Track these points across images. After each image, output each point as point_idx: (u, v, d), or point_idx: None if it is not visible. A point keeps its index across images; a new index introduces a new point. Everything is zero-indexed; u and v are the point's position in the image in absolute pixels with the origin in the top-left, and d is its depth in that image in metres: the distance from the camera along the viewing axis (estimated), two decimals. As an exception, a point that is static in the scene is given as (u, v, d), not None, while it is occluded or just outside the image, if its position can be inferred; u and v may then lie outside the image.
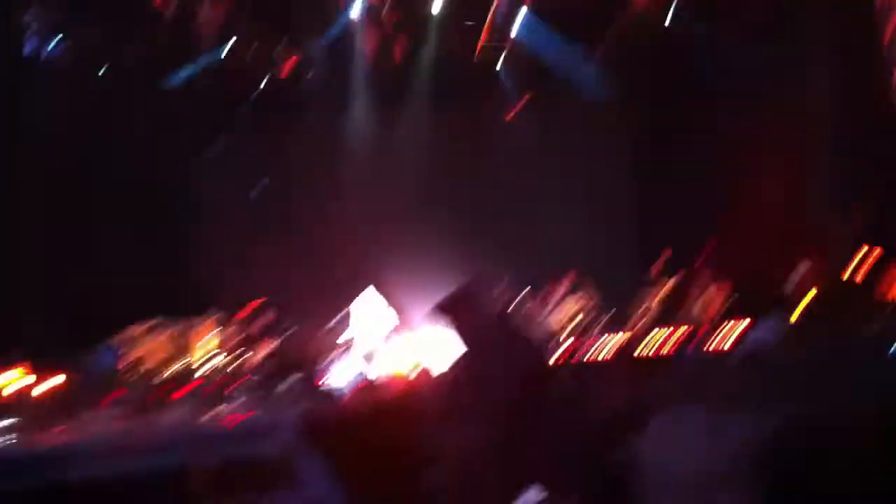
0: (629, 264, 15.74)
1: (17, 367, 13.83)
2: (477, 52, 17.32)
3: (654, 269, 15.26)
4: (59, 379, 13.05)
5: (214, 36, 16.78)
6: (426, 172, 16.62)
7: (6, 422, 8.85)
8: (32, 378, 13.36)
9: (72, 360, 15.03)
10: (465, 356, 4.14)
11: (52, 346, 14.99)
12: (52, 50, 16.05)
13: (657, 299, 15.16)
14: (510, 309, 7.51)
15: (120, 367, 15.83)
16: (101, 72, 16.76)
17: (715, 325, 14.18)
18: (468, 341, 4.10)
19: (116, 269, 15.99)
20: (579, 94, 16.77)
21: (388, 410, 4.81)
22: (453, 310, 4.08)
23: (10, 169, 15.25)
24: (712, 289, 14.81)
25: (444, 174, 16.64)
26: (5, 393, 12.97)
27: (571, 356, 13.41)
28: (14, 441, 4.82)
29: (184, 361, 16.07)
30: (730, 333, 12.65)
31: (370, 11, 16.89)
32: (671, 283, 15.06)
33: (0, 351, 14.25)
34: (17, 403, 12.00)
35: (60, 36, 16.11)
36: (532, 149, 16.71)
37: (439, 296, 4.46)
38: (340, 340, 15.38)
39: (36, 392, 12.80)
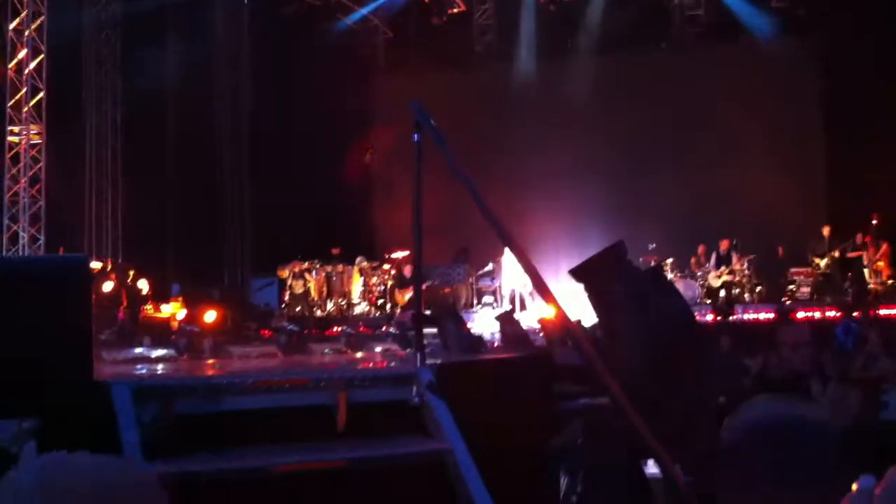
0: (798, 230, 15.03)
1: (176, 300, 14.72)
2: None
3: (824, 234, 14.62)
4: (214, 313, 13.74)
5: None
6: (591, 125, 16.03)
7: (163, 352, 9.40)
8: (186, 311, 14.19)
9: (236, 291, 15.83)
10: (607, 320, 4.12)
11: (214, 278, 15.80)
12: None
13: (824, 267, 14.57)
14: (655, 273, 7.34)
15: (278, 302, 16.66)
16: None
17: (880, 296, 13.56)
18: (604, 308, 4.08)
19: (282, 208, 16.55)
20: (766, 45, 15.66)
21: (531, 364, 4.85)
22: (588, 276, 4.04)
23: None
24: (880, 260, 14.13)
25: (608, 129, 16.01)
26: (165, 325, 13.81)
27: (727, 319, 13.07)
28: (169, 370, 5.16)
29: (338, 302, 16.74)
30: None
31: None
32: (838, 252, 14.42)
33: (161, 283, 15.24)
34: (176, 335, 12.67)
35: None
36: (707, 103, 15.64)
37: (581, 259, 4.44)
38: (489, 289, 15.56)
39: (194, 325, 13.52)
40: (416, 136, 3.72)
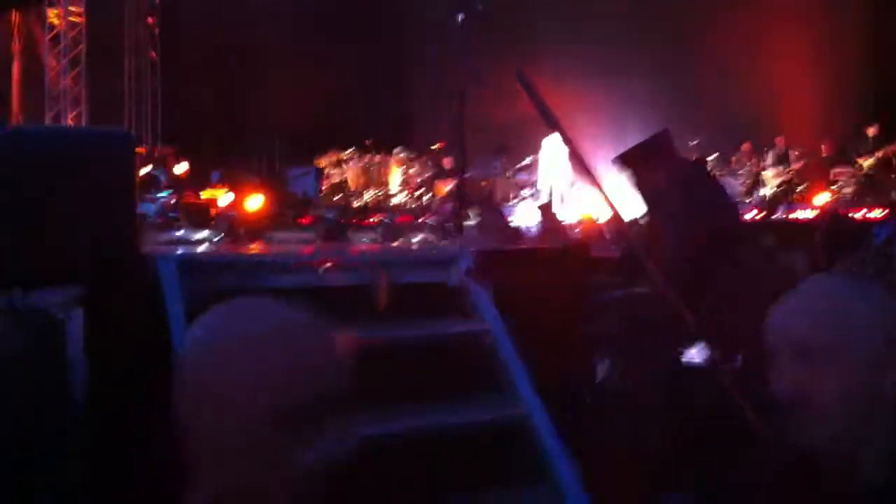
0: (844, 128, 14.65)
1: (220, 186, 14.77)
2: None
3: (871, 132, 14.27)
4: (259, 199, 13.76)
5: None
6: (629, 15, 15.56)
7: (206, 233, 9.48)
8: (232, 196, 14.22)
9: (275, 179, 15.87)
10: (651, 208, 4.08)
11: (253, 165, 15.83)
12: None
13: (868, 165, 14.29)
14: (699, 165, 7.23)
15: (318, 190, 16.69)
16: None
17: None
18: (648, 196, 4.04)
19: (321, 96, 16.45)
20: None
21: (568, 254, 4.85)
22: (634, 163, 3.99)
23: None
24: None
25: (647, 21, 15.51)
26: (206, 209, 13.87)
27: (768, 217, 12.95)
28: (212, 249, 5.23)
29: (377, 191, 16.77)
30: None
31: None
32: (882, 152, 14.11)
33: (201, 168, 15.30)
34: (216, 219, 12.76)
35: None
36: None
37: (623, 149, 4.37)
38: (526, 183, 15.48)
39: (236, 209, 13.58)
40: (460, 16, 3.63)
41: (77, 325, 2.85)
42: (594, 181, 3.44)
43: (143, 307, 3.09)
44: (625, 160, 4.01)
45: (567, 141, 3.53)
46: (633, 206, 4.42)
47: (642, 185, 4.04)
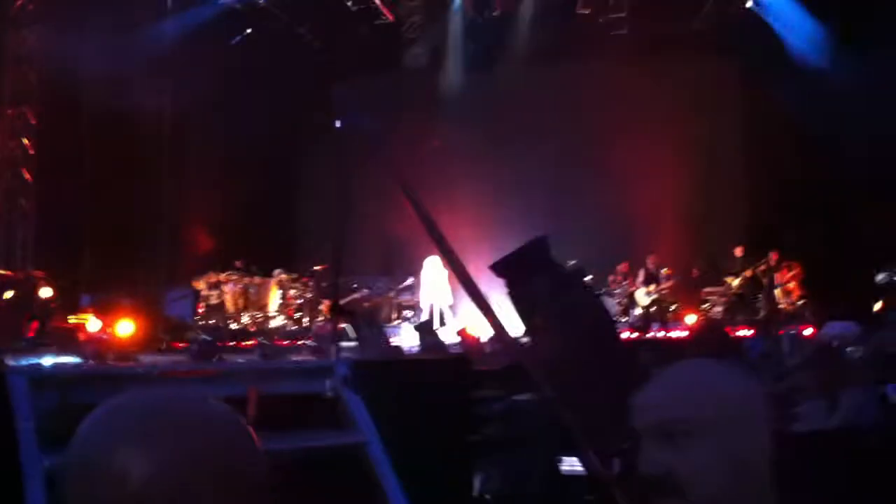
0: (712, 248, 15.27)
1: (88, 311, 14.25)
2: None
3: (738, 252, 14.92)
4: (130, 324, 13.33)
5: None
6: (514, 139, 16.02)
7: (70, 359, 9.09)
8: (100, 322, 13.73)
9: (146, 303, 15.42)
10: (527, 315, 4.09)
11: (126, 289, 15.35)
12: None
13: (736, 285, 14.89)
14: (578, 271, 7.36)
15: (194, 313, 16.27)
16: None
17: (790, 316, 13.88)
18: (525, 302, 4.05)
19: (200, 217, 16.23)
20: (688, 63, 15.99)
21: (448, 365, 4.80)
22: (510, 270, 4.00)
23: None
24: (791, 281, 14.47)
25: (532, 142, 15.98)
26: (73, 334, 13.33)
27: (644, 336, 13.25)
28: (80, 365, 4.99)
29: (254, 315, 16.45)
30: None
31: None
32: (750, 272, 14.74)
33: (72, 292, 14.74)
34: (83, 344, 12.29)
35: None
36: (628, 118, 15.70)
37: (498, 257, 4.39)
38: (408, 303, 15.51)
39: (107, 334, 13.10)
40: (337, 122, 3.64)
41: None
42: (476, 292, 3.43)
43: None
44: (503, 266, 4.03)
45: (447, 252, 3.52)
46: (513, 316, 4.43)
47: (521, 291, 4.05)
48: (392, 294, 15.83)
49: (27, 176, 15.96)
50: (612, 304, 14.75)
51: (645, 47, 15.63)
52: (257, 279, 16.35)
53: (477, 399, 4.66)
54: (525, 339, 4.71)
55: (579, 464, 3.51)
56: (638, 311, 14.92)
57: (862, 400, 5.10)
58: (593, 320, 4.06)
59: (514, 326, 4.95)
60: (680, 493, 1.66)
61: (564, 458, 3.68)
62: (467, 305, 14.50)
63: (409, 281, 15.36)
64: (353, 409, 3.41)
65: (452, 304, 14.37)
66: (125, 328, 13.13)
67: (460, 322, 12.92)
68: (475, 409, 4.52)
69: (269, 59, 16.43)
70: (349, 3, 17.12)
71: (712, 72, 16.07)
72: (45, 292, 14.35)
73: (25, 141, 16.01)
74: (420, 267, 14.85)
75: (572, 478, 3.66)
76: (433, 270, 14.34)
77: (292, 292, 16.33)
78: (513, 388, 4.70)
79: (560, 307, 3.91)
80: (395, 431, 3.43)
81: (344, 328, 8.68)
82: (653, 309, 14.82)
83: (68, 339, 12.88)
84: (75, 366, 4.81)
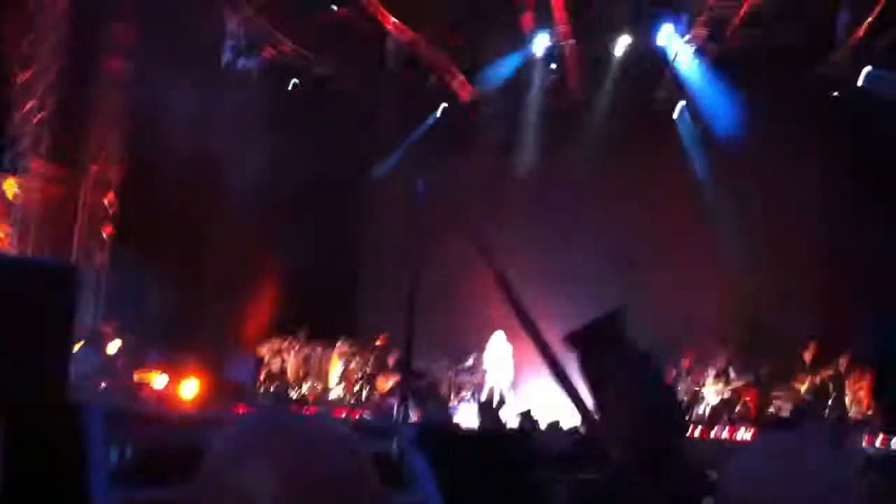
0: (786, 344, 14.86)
1: (155, 369, 14.45)
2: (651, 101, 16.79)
3: (808, 356, 14.49)
4: (194, 384, 13.47)
5: (403, 53, 17.18)
6: (585, 219, 16.15)
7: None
8: (166, 379, 13.90)
9: (212, 363, 15.61)
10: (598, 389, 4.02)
11: (193, 349, 15.56)
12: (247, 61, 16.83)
13: (804, 391, 14.44)
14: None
15: (255, 378, 16.39)
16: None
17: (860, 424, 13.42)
18: (595, 377, 3.98)
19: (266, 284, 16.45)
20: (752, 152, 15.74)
21: (509, 440, 4.77)
22: (585, 342, 3.94)
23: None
24: (860, 389, 13.99)
25: (606, 223, 16.07)
26: (142, 390, 13.51)
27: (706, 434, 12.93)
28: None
29: (314, 383, 16.49)
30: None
31: (552, 48, 16.83)
32: (819, 377, 14.28)
33: (141, 349, 14.97)
34: (150, 402, 12.42)
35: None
36: (703, 210, 15.74)
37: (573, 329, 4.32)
38: (468, 382, 15.40)
39: (171, 392, 13.25)
40: (420, 184, 3.68)
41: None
42: (554, 361, 3.38)
43: (64, 449, 2.93)
44: (577, 337, 3.96)
45: (527, 321, 3.49)
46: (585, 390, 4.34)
47: (593, 364, 3.97)
48: (451, 374, 15.74)
49: (106, 231, 16.42)
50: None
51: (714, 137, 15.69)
52: (319, 349, 16.44)
53: (540, 479, 4.60)
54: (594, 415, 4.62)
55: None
56: (703, 407, 14.54)
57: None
58: (667, 402, 3.98)
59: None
60: None
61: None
62: (528, 386, 14.40)
63: (471, 361, 15.27)
64: (418, 470, 3.39)
65: (513, 384, 14.25)
66: (189, 388, 13.28)
67: (521, 403, 12.82)
68: (538, 487, 4.46)
69: (339, 124, 16.75)
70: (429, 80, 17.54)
71: (791, 164, 15.89)
72: (113, 347, 14.63)
73: (108, 198, 16.53)
74: (477, 347, 14.84)
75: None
76: (498, 348, 14.29)
77: (353, 364, 16.35)
78: (576, 468, 4.62)
79: (635, 384, 3.84)
80: (457, 497, 3.41)
81: (406, 404, 8.66)
82: (721, 406, 14.43)
83: (133, 396, 13.04)
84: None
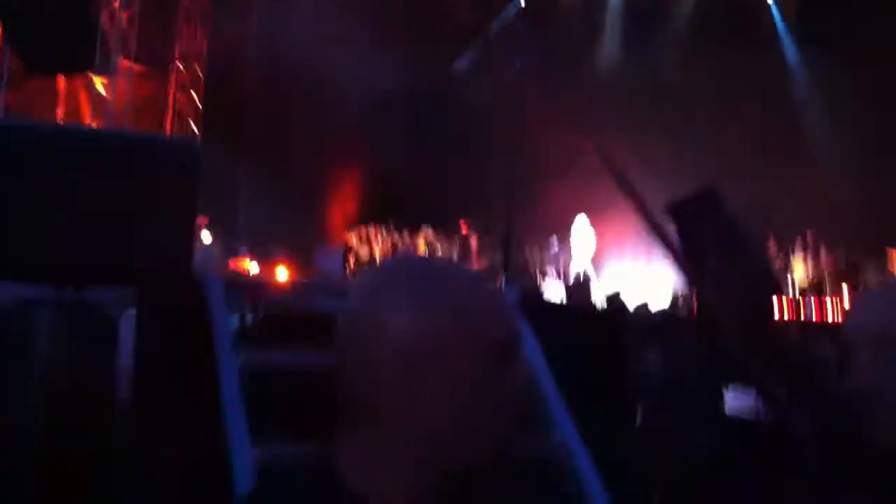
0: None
1: (245, 257, 14.90)
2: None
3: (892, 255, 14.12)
4: (284, 271, 13.86)
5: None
6: (672, 109, 15.72)
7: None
8: (258, 268, 14.34)
9: (301, 253, 16.01)
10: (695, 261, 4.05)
11: (283, 237, 15.94)
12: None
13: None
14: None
15: (344, 266, 16.77)
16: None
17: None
18: (698, 244, 4.00)
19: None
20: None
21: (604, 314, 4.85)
22: (686, 211, 3.95)
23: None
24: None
25: (691, 114, 15.59)
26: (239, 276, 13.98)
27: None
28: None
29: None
30: None
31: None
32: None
33: (231, 242, 15.42)
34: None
35: None
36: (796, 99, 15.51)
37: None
38: (554, 264, 15.45)
39: (266, 277, 13.68)
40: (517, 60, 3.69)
41: (129, 325, 2.86)
42: (659, 230, 3.39)
43: (191, 316, 3.11)
44: (677, 207, 3.96)
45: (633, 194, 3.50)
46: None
47: (692, 234, 3.99)
48: (535, 257, 15.81)
49: (194, 128, 16.77)
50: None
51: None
52: (406, 236, 16.67)
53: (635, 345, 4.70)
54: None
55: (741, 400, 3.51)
56: (796, 283, 14.36)
57: None
58: (766, 266, 4.02)
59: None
60: (888, 406, 1.67)
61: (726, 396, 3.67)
62: (612, 269, 14.46)
63: (555, 244, 15.24)
64: (522, 332, 3.49)
65: (597, 268, 14.29)
66: (282, 273, 13.72)
67: (607, 285, 12.89)
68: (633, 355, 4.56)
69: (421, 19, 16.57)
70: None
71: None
72: (206, 237, 15.08)
73: (194, 94, 16.82)
74: (561, 230, 14.86)
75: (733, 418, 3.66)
76: (582, 231, 14.31)
77: (439, 251, 16.56)
78: (669, 336, 4.70)
79: (736, 249, 3.87)
80: (559, 364, 3.51)
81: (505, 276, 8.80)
82: (811, 282, 14.24)
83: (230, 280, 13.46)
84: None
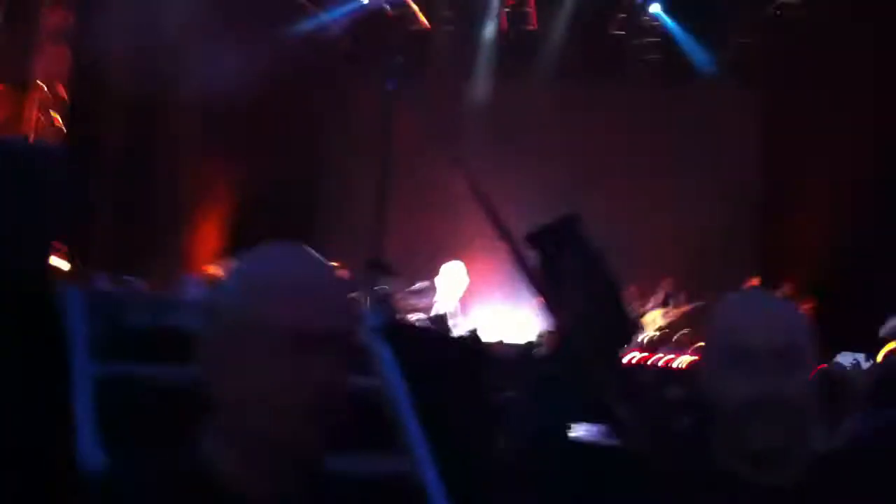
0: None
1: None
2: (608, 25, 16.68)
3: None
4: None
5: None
6: (538, 148, 16.17)
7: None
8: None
9: (162, 286, 15.52)
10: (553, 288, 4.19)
11: (144, 268, 15.44)
12: None
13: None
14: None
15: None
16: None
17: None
18: (554, 271, 4.15)
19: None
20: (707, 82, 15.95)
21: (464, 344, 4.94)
22: (544, 240, 4.11)
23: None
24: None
25: (557, 152, 16.09)
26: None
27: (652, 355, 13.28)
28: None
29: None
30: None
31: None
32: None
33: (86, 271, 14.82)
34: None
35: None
36: (657, 137, 15.89)
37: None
38: (417, 304, 15.46)
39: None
40: (389, 83, 3.78)
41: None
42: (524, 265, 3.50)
43: (46, 332, 3.04)
44: (537, 236, 4.13)
45: (506, 235, 3.62)
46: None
47: (551, 262, 4.16)
48: (400, 296, 15.78)
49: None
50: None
51: (674, 71, 15.85)
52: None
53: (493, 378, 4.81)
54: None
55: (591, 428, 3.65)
56: (649, 333, 14.84)
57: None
58: (618, 291, 4.21)
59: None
60: (781, 411, 1.80)
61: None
62: (476, 314, 14.60)
63: (424, 284, 15.25)
64: (380, 356, 3.54)
65: (462, 311, 14.41)
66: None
67: (468, 323, 13.04)
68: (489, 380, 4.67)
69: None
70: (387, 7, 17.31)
71: (735, 101, 16.21)
72: (61, 264, 14.41)
73: (55, 116, 16.21)
74: (432, 272, 14.92)
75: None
76: (452, 276, 14.37)
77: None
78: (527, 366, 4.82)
79: (590, 273, 4.05)
80: (417, 388, 3.56)
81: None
82: (664, 332, 14.73)
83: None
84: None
